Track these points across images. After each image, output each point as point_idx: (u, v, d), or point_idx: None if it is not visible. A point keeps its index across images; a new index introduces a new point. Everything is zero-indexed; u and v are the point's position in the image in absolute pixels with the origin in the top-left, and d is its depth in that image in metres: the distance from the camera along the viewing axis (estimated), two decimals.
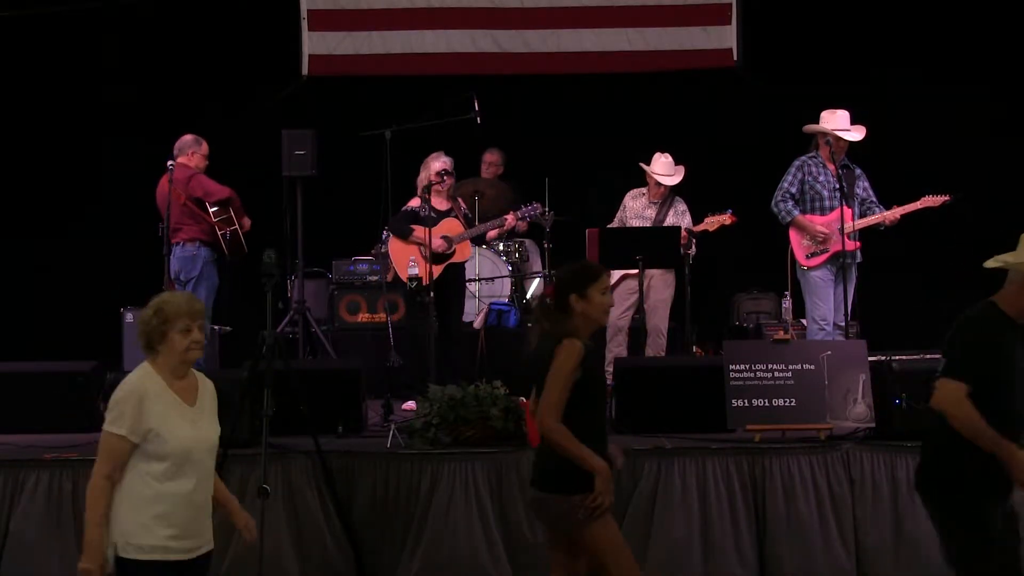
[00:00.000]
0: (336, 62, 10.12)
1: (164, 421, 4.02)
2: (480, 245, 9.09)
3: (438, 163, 7.85)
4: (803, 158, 7.73)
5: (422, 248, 7.69)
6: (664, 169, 8.30)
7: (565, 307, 4.38)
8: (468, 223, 8.00)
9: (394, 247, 7.94)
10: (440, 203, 7.91)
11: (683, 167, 8.34)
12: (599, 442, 4.33)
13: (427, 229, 7.58)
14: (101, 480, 3.98)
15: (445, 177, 7.82)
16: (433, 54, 10.13)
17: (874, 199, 7.72)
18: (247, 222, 8.12)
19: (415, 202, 7.86)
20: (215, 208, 7.94)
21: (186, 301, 4.13)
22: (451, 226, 7.86)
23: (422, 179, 7.84)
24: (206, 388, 4.23)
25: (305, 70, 10.09)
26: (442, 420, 6.05)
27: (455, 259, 7.89)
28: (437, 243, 7.74)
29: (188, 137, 8.08)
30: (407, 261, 7.74)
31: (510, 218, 8.12)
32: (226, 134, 8.69)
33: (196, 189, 7.88)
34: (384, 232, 8.47)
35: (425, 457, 5.92)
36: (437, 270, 7.77)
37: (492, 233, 8.39)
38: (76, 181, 9.90)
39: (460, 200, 8.17)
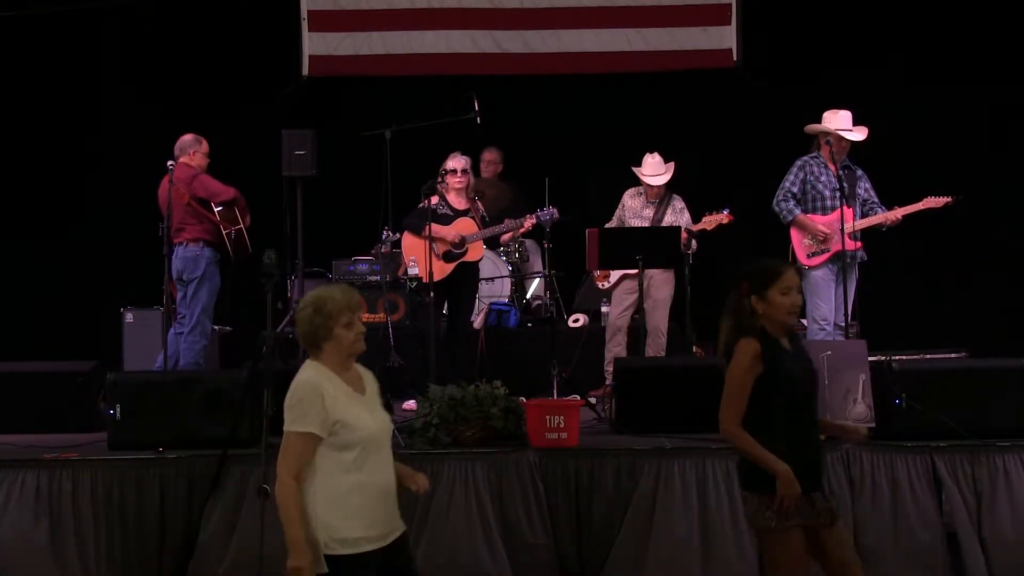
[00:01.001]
0: (336, 62, 10.12)
1: (348, 411, 4.05)
2: (493, 248, 9.12)
3: (449, 162, 7.98)
4: (805, 158, 7.74)
5: (434, 245, 7.76)
6: (652, 169, 8.34)
7: (746, 306, 4.37)
8: (484, 224, 8.03)
9: (408, 242, 7.98)
10: (459, 202, 7.97)
11: (672, 163, 8.35)
12: (792, 439, 4.27)
13: (439, 227, 7.66)
14: (289, 480, 3.96)
15: (449, 176, 7.87)
16: (433, 54, 10.12)
17: (876, 200, 7.72)
18: (248, 220, 8.14)
19: (434, 199, 7.91)
20: (219, 208, 7.94)
21: (343, 294, 4.15)
22: (465, 225, 7.90)
23: (440, 177, 7.94)
24: (368, 377, 4.24)
25: (305, 70, 10.09)
26: (442, 420, 6.05)
27: (467, 258, 7.93)
28: (453, 234, 7.77)
29: (188, 137, 8.08)
30: (419, 258, 7.79)
31: (528, 223, 8.14)
32: (226, 134, 8.69)
33: (199, 189, 7.88)
34: (384, 232, 8.47)
35: (425, 457, 5.92)
36: (448, 268, 7.80)
37: (506, 236, 8.41)
38: (76, 181, 9.90)
39: (479, 202, 8.20)
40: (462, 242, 7.86)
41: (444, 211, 7.92)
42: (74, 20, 9.70)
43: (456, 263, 7.90)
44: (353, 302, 4.15)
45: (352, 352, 4.15)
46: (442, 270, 7.82)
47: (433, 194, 7.84)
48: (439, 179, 7.90)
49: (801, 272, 4.39)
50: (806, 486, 4.25)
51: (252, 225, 8.20)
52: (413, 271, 7.70)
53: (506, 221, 8.12)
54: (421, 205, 7.92)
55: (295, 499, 3.96)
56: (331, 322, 4.10)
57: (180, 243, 7.87)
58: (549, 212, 8.19)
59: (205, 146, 8.10)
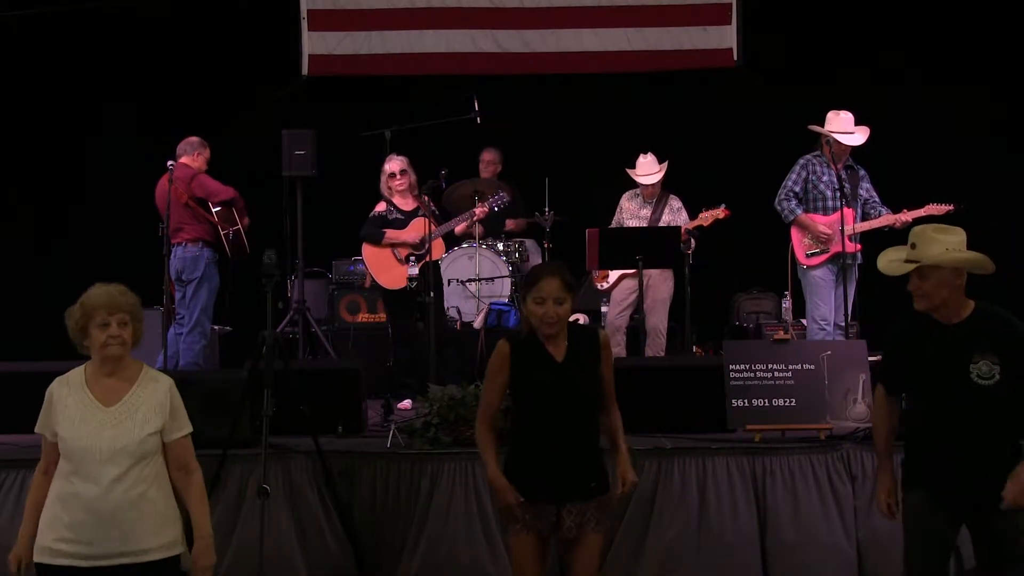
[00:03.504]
0: (336, 62, 10.12)
1: (66, 421, 3.97)
2: (482, 244, 9.11)
3: (388, 165, 7.91)
4: (808, 156, 7.74)
5: (395, 251, 7.74)
6: (645, 169, 8.37)
7: (523, 309, 4.41)
8: (437, 220, 8.00)
9: (368, 252, 7.95)
10: (406, 204, 7.91)
11: (666, 163, 8.37)
12: (525, 447, 4.30)
13: (397, 232, 7.64)
14: (37, 474, 4.07)
15: (398, 175, 7.82)
16: (433, 54, 10.12)
17: (877, 200, 7.73)
18: (247, 221, 8.13)
19: (381, 206, 7.91)
20: (218, 208, 7.94)
21: (107, 293, 4.00)
22: (421, 226, 7.87)
23: (382, 184, 7.89)
24: (149, 389, 4.03)
25: (305, 70, 10.08)
26: (442, 420, 6.05)
27: (430, 258, 7.89)
28: (413, 236, 7.74)
29: (194, 139, 8.07)
30: (384, 266, 7.80)
31: (478, 210, 8.14)
32: (226, 134, 8.69)
33: (198, 189, 7.87)
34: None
35: (425, 457, 5.92)
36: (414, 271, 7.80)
37: (460, 227, 8.34)
38: (76, 181, 9.90)
39: (427, 198, 8.17)
40: (423, 242, 7.82)
41: (395, 216, 7.89)
42: (74, 20, 9.70)
43: (420, 265, 7.88)
44: (114, 303, 3.98)
45: (104, 355, 3.99)
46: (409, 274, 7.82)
47: (431, 193, 7.83)
48: (395, 181, 7.86)
49: (565, 277, 4.32)
50: (532, 495, 4.22)
51: (252, 225, 8.19)
52: (413, 271, 7.70)
53: (477, 211, 8.11)
54: (372, 213, 7.91)
55: (32, 493, 4.04)
56: (86, 320, 3.99)
57: (179, 243, 7.86)
58: (499, 198, 8.19)
59: (208, 152, 8.10)
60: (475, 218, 8.19)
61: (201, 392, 6.12)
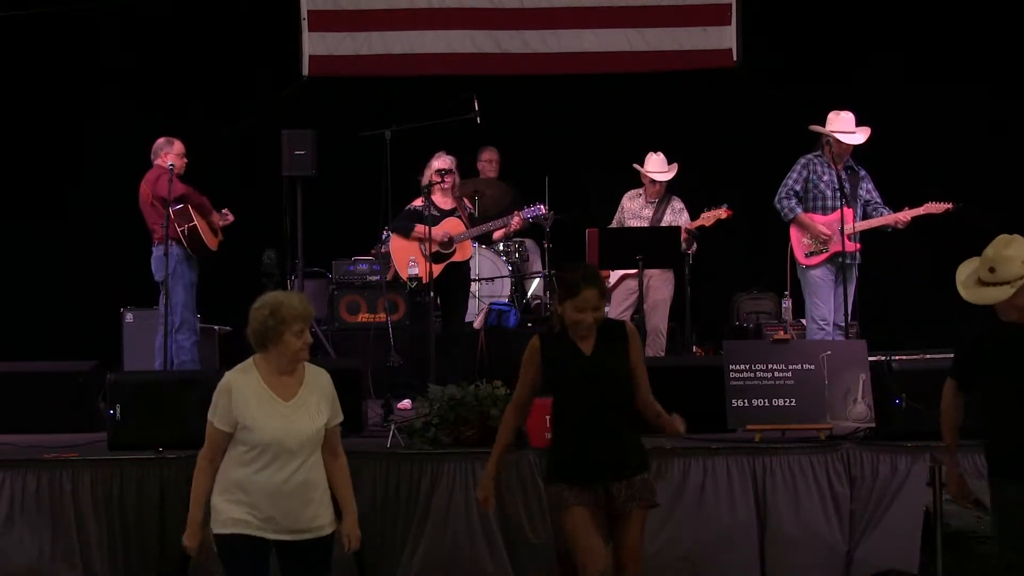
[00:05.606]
0: (336, 63, 10.12)
1: (252, 414, 4.24)
2: (481, 244, 9.11)
3: (438, 162, 7.89)
4: (809, 156, 7.73)
5: (422, 246, 7.72)
6: (656, 166, 8.34)
7: (555, 309, 4.66)
8: (472, 222, 8.00)
9: (395, 245, 7.96)
10: (444, 202, 7.93)
11: (676, 164, 8.36)
12: (561, 433, 4.60)
13: (427, 228, 7.60)
14: (202, 462, 4.29)
15: (445, 176, 7.84)
16: (433, 54, 10.13)
17: (879, 200, 7.72)
18: (218, 218, 8.08)
19: (419, 201, 7.88)
20: (174, 207, 7.92)
21: (300, 303, 4.29)
22: (453, 225, 7.87)
23: (425, 178, 7.87)
24: (314, 384, 4.36)
25: (305, 71, 10.09)
26: (442, 420, 6.05)
27: (455, 258, 7.90)
28: (440, 233, 7.74)
29: (160, 140, 8.06)
30: (408, 259, 7.77)
31: (516, 220, 8.13)
32: (226, 134, 8.68)
33: (160, 190, 7.90)
34: (384, 232, 8.48)
35: (425, 457, 5.92)
36: (437, 269, 7.78)
37: (498, 233, 8.39)
38: (76, 181, 9.90)
39: (465, 200, 8.17)
40: (450, 242, 7.83)
41: (431, 212, 7.89)
42: (74, 20, 9.70)
43: (445, 263, 7.88)
44: (308, 313, 4.29)
45: (296, 360, 4.31)
46: (432, 271, 7.81)
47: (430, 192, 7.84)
48: (439, 179, 7.85)
49: (602, 285, 4.60)
50: (579, 479, 4.49)
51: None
52: (414, 271, 7.70)
53: (506, 219, 8.13)
54: (408, 207, 7.91)
55: (201, 481, 4.27)
56: (283, 327, 4.24)
57: (155, 243, 7.88)
58: (535, 208, 8.20)
59: (178, 146, 8.05)
60: (511, 228, 8.21)
61: (201, 392, 6.12)
